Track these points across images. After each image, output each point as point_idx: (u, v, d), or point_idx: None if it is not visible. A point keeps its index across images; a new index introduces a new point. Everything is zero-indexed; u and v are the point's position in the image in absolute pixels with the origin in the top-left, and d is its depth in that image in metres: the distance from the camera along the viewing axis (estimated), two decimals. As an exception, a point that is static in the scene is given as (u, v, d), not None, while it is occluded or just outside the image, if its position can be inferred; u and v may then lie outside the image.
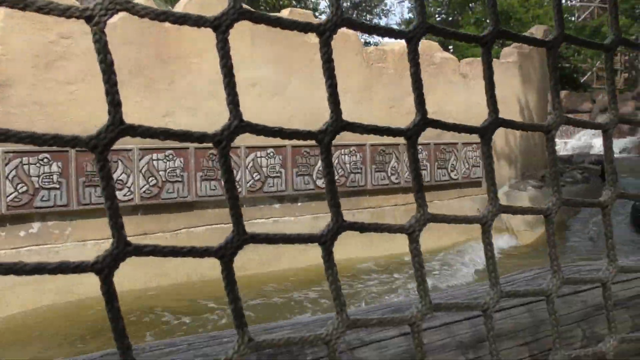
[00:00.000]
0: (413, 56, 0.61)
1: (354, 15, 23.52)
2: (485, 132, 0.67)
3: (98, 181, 5.60)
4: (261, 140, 6.36)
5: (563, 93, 13.67)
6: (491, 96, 0.66)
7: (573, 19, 34.81)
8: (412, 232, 0.64)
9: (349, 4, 23.59)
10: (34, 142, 0.43)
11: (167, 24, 6.00)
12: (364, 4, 24.46)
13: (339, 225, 0.58)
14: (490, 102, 0.66)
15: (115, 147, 5.68)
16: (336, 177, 7.26)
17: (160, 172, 5.99)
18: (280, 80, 6.87)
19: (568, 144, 21.07)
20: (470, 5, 25.82)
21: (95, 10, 0.46)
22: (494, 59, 9.60)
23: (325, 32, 0.57)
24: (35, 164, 5.41)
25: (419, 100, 0.62)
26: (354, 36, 7.64)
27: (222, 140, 0.51)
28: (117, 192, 5.66)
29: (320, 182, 7.19)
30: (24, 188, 5.35)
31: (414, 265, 0.65)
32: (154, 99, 5.98)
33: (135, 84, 5.83)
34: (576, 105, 24.19)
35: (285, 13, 7.13)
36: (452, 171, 8.90)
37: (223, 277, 0.53)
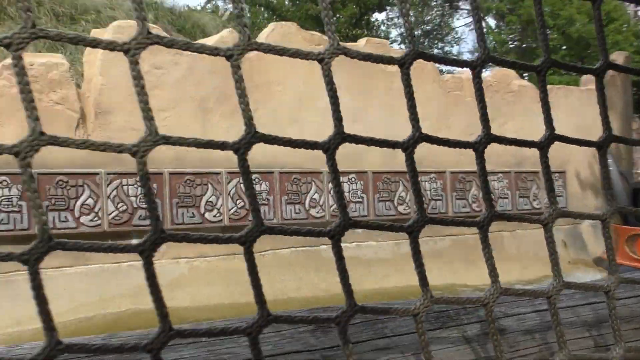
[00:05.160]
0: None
1: (426, 43, 23.47)
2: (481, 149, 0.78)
3: (189, 202, 5.77)
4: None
5: None
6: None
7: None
8: (411, 231, 0.71)
9: (420, 32, 23.50)
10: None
11: (252, 54, 6.34)
12: (435, 32, 24.31)
13: (346, 223, 0.66)
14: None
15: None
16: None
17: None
18: (359, 107, 7.02)
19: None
20: (544, 32, 25.20)
21: (131, 44, 0.57)
22: (575, 87, 9.41)
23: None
24: (133, 185, 5.65)
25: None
26: (431, 65, 7.72)
27: (240, 148, 0.65)
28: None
29: (402, 208, 7.24)
30: (124, 207, 5.64)
31: (415, 262, 0.72)
32: (239, 125, 6.29)
33: (221, 111, 6.18)
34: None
35: (362, 43, 7.32)
36: (534, 200, 8.72)
37: (248, 265, 0.63)
